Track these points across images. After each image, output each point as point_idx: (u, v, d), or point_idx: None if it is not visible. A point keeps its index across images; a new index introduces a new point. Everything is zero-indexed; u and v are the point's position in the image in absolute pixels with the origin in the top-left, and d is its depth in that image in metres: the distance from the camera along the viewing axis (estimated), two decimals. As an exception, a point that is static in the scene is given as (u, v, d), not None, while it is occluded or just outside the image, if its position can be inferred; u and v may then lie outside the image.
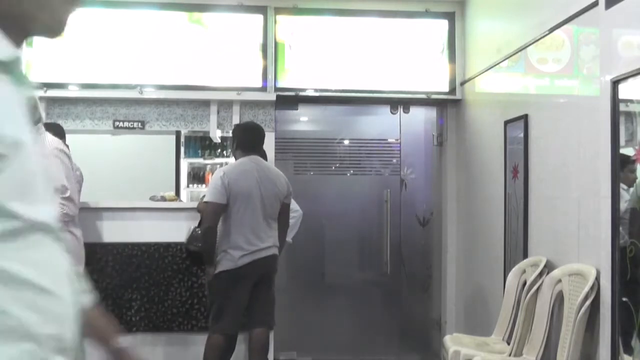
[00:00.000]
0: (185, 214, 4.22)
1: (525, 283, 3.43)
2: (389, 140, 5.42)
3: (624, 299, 2.57)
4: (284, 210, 3.91)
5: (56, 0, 0.88)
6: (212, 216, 3.67)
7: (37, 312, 0.77)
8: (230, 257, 3.65)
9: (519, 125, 3.86)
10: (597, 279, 2.77)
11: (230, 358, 3.95)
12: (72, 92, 4.91)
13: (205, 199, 3.74)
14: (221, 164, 6.52)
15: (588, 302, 2.76)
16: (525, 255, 3.68)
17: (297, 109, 5.31)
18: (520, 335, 3.32)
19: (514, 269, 3.66)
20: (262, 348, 3.80)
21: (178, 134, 6.05)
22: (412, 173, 5.36)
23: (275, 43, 5.06)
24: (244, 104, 5.08)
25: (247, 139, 3.89)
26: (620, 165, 2.66)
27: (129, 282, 4.16)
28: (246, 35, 5.03)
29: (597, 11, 2.86)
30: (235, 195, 3.66)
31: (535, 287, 3.28)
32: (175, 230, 4.13)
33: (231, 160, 6.26)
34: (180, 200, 5.74)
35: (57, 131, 3.77)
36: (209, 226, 3.67)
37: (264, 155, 3.99)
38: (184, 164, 6.56)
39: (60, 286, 0.82)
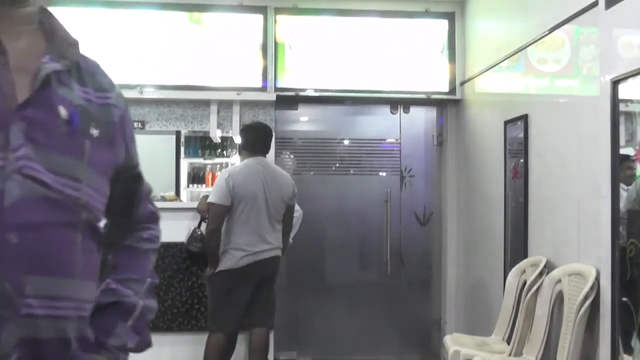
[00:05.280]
0: (185, 214, 4.22)
1: (525, 283, 3.43)
2: (389, 140, 5.42)
3: (624, 299, 2.57)
4: (288, 212, 3.90)
5: None
6: (216, 218, 3.65)
7: None
8: (232, 257, 3.65)
9: (519, 125, 3.86)
10: (597, 279, 2.77)
11: (230, 358, 3.96)
12: (72, 92, 4.90)
13: (209, 200, 3.71)
14: (221, 164, 6.52)
15: (588, 302, 2.76)
16: (525, 255, 3.68)
17: (297, 109, 5.31)
18: (520, 335, 3.32)
19: (514, 269, 3.66)
20: (262, 348, 3.80)
21: (178, 134, 6.05)
22: (412, 173, 5.36)
23: (275, 43, 5.06)
24: (244, 104, 5.08)
25: (254, 140, 3.87)
26: (620, 165, 2.66)
27: (129, 282, 4.16)
28: (246, 35, 5.03)
29: (597, 11, 2.86)
30: (240, 197, 3.64)
31: (535, 287, 3.28)
32: (175, 230, 4.12)
33: (231, 160, 6.28)
34: (180, 200, 5.74)
35: None
36: (213, 228, 3.65)
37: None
38: (184, 164, 6.56)
39: None
